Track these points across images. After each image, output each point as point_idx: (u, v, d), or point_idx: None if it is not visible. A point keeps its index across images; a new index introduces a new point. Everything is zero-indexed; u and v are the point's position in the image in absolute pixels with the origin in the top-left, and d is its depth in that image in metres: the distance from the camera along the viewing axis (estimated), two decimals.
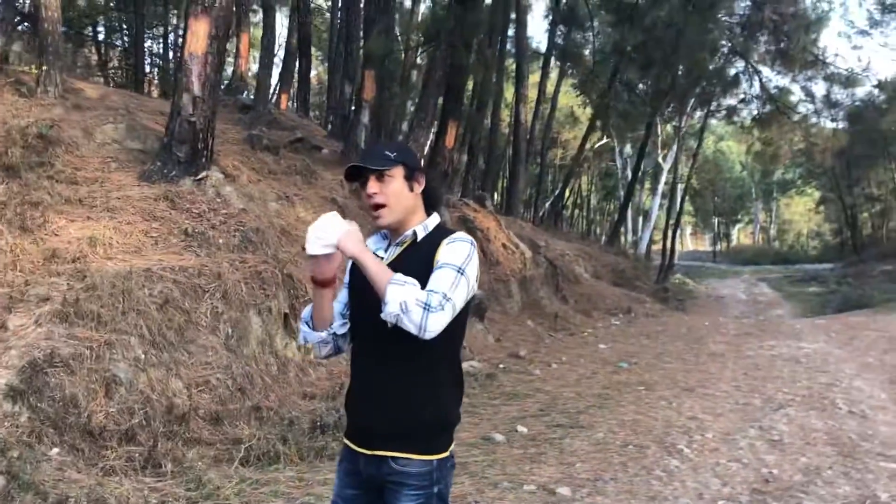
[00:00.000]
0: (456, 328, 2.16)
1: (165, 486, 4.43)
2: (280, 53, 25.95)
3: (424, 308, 1.99)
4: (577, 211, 49.44)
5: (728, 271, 44.96)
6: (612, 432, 5.93)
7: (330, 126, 18.30)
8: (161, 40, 28.91)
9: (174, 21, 29.21)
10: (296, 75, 21.53)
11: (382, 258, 2.27)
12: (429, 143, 14.28)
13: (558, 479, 4.82)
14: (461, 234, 2.24)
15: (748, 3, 11.81)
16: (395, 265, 2.15)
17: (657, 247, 47.31)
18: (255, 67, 21.11)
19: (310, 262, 2.24)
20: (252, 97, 13.85)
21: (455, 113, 12.76)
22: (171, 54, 29.65)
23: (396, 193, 2.22)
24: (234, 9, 8.50)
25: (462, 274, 2.10)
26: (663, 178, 37.19)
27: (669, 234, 29.35)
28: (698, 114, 36.05)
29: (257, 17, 24.76)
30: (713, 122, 33.43)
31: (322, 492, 4.57)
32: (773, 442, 5.55)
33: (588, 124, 30.51)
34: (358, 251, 2.12)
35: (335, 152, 12.79)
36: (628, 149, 42.14)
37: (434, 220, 2.33)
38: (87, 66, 26.23)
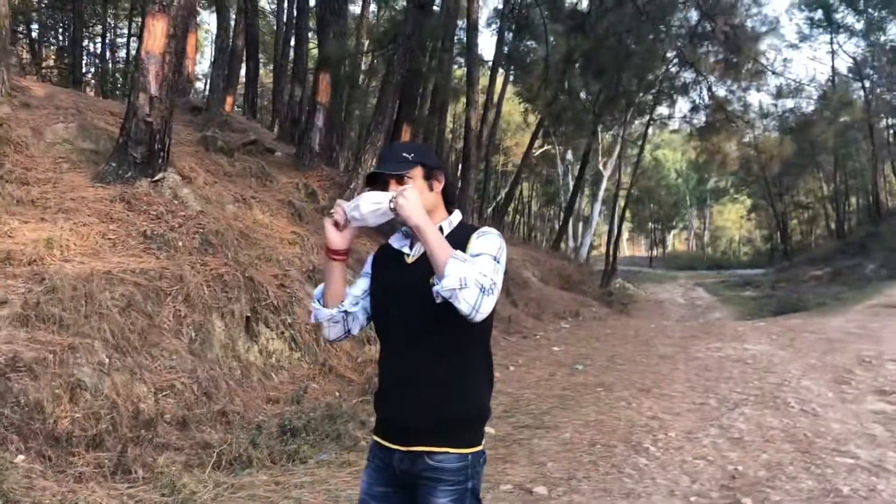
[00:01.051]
0: (490, 320, 2.15)
1: (139, 493, 4.33)
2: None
3: (481, 289, 2.00)
4: (518, 217, 49.95)
5: (665, 276, 46.01)
6: (578, 432, 6.04)
7: (279, 129, 18.09)
8: (99, 39, 28.21)
9: (112, 20, 28.53)
10: (242, 77, 21.21)
11: (408, 255, 2.29)
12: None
13: (533, 479, 4.89)
14: (490, 229, 2.26)
15: (697, 13, 12.19)
16: (425, 261, 2.13)
17: (595, 252, 48.21)
18: (198, 68, 20.74)
19: (328, 232, 2.25)
20: (204, 98, 13.59)
21: (410, 116, 12.80)
22: (108, 54, 28.95)
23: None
24: (192, 8, 8.35)
25: (498, 262, 2.15)
26: (603, 185, 37.90)
27: (612, 240, 29.85)
28: (637, 123, 36.95)
29: (198, 18, 24.38)
30: (650, 130, 34.18)
31: (300, 495, 4.54)
32: (734, 440, 5.74)
33: (534, 131, 30.95)
34: (423, 221, 2.07)
35: (288, 155, 12.67)
36: (569, 155, 42.81)
37: (457, 216, 2.36)
38: (21, 65, 25.36)
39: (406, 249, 2.32)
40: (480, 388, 2.30)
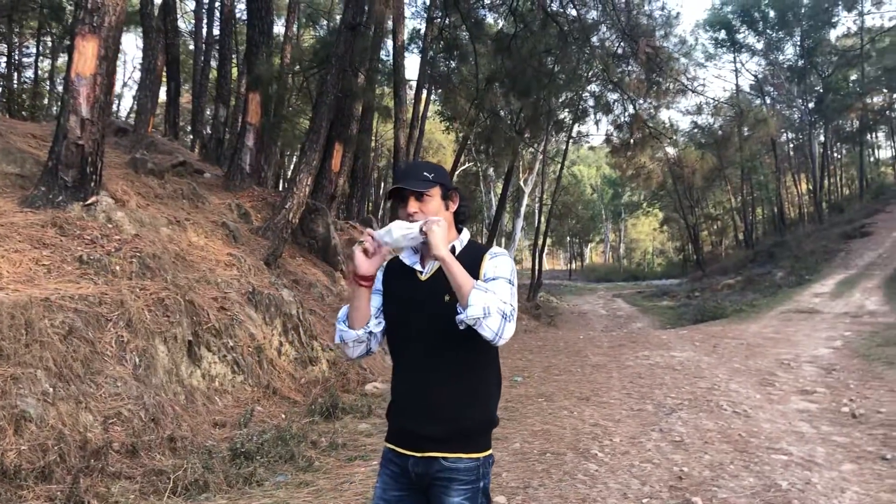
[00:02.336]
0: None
1: None
2: (136, 76, 25.01)
3: (503, 316, 2.16)
4: None
5: (584, 288, 47.09)
6: (528, 442, 6.20)
7: (203, 149, 17.79)
8: (4, 59, 27.16)
9: (17, 39, 27.50)
10: (161, 98, 20.76)
11: (421, 272, 2.41)
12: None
13: (490, 489, 5.00)
14: (500, 250, 2.42)
15: (619, 35, 12.69)
16: (439, 278, 2.27)
17: (518, 266, 48.93)
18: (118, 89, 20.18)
19: (358, 259, 2.36)
20: (125, 120, 13.27)
21: (342, 135, 12.84)
22: (15, 74, 27.87)
23: (434, 212, 2.36)
24: (122, 29, 8.21)
25: (512, 285, 2.32)
26: (525, 201, 38.70)
27: (537, 253, 30.42)
28: (555, 140, 37.87)
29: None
30: (569, 147, 35.05)
31: None
32: (675, 443, 6.01)
33: (458, 149, 31.33)
34: (446, 253, 2.21)
35: (217, 176, 12.51)
36: (491, 172, 43.49)
37: (466, 235, 2.50)
38: None
39: (418, 266, 2.44)
40: (492, 397, 2.46)
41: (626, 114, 14.72)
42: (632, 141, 14.53)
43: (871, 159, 52.71)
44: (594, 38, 13.62)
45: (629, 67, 13.47)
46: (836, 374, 9.38)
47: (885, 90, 44.79)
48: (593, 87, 18.43)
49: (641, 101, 14.11)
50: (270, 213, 10.88)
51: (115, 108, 40.75)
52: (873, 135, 51.52)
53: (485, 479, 2.38)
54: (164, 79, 21.36)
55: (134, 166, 10.05)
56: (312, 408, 7.22)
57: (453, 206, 2.46)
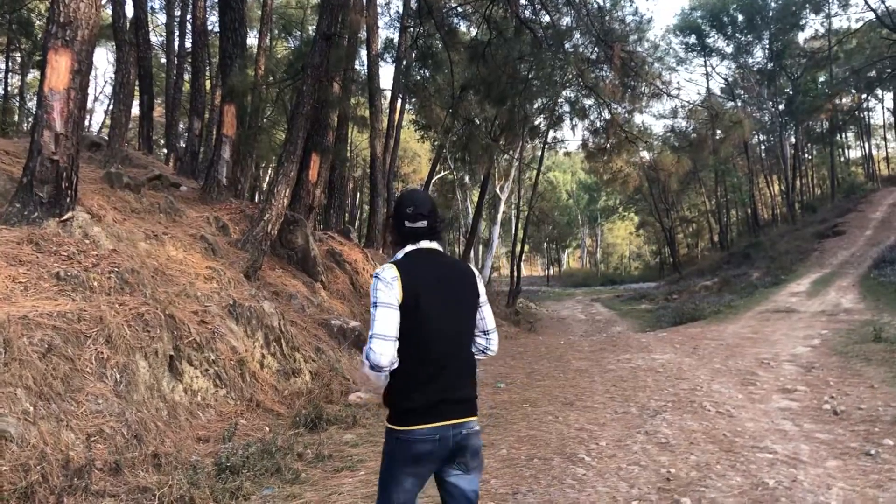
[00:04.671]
0: (409, 335, 2.73)
1: None
2: (107, 90, 24.80)
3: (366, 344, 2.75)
4: None
5: (563, 294, 47.28)
6: (514, 448, 6.20)
7: (178, 163, 17.65)
8: None
9: None
10: (135, 112, 20.59)
11: None
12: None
13: (480, 497, 4.99)
14: (378, 269, 2.84)
15: (593, 41, 12.78)
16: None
17: (496, 273, 49.06)
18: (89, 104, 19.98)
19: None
20: (99, 134, 13.14)
21: (319, 146, 12.79)
22: None
23: None
24: (95, 43, 8.13)
25: (375, 307, 2.73)
26: (501, 208, 38.82)
27: (516, 260, 30.48)
28: (530, 146, 38.04)
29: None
30: (545, 153, 35.20)
31: None
32: (661, 444, 6.03)
33: (434, 157, 31.38)
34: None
35: (194, 189, 12.41)
36: (466, 179, 43.61)
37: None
38: None
39: None
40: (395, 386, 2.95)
41: (602, 118, 14.84)
42: (608, 145, 14.64)
43: (842, 159, 53.54)
44: (568, 45, 13.71)
45: (603, 73, 13.59)
46: (816, 372, 9.49)
47: (853, 91, 45.59)
48: (568, 93, 18.57)
49: (617, 107, 14.24)
50: (249, 226, 10.81)
51: (87, 122, 40.34)
52: (843, 135, 52.40)
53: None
54: (137, 92, 21.21)
55: (109, 181, 9.95)
56: (297, 420, 7.16)
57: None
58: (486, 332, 3.00)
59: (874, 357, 10.45)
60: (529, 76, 15.20)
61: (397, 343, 2.68)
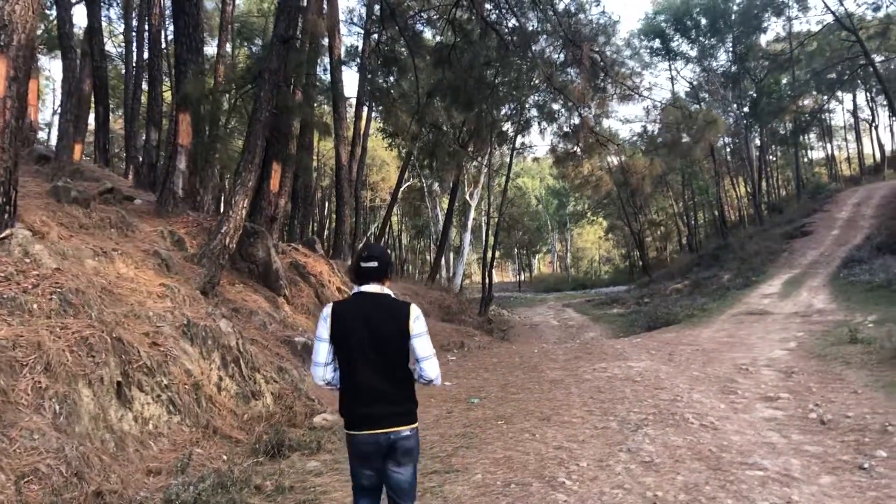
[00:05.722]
0: (340, 362, 3.53)
1: None
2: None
3: None
4: (390, 251, 49.81)
5: (534, 300, 47.04)
6: (490, 472, 5.80)
7: (134, 175, 17.04)
8: None
9: None
10: (91, 124, 19.91)
11: None
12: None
13: None
14: None
15: (561, 42, 12.47)
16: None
17: (467, 281, 48.76)
18: (41, 116, 19.29)
19: None
20: (50, 147, 12.53)
21: (280, 154, 12.32)
22: None
23: None
24: (34, 49, 7.62)
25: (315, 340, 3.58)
26: (471, 215, 38.50)
27: (488, 267, 30.15)
28: (498, 153, 37.81)
29: (38, 63, 22.82)
30: (514, 159, 34.92)
31: None
32: (645, 463, 5.68)
33: (402, 165, 30.98)
34: None
35: (149, 202, 11.87)
36: (436, 187, 43.28)
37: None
38: None
39: None
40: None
41: (571, 122, 14.55)
42: (578, 149, 14.32)
43: (805, 160, 54.11)
44: (536, 47, 13.40)
45: (571, 76, 13.28)
46: (797, 378, 9.24)
47: (814, 93, 46.07)
48: (537, 97, 18.28)
49: (587, 109, 13.97)
50: (206, 239, 10.30)
51: (44, 135, 39.30)
52: (806, 137, 52.97)
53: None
54: (93, 104, 20.55)
55: (56, 195, 9.39)
56: (256, 447, 6.70)
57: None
58: (418, 361, 3.48)
59: (853, 360, 10.24)
60: (496, 80, 14.89)
61: (328, 367, 3.52)
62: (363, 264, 3.53)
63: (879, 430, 6.20)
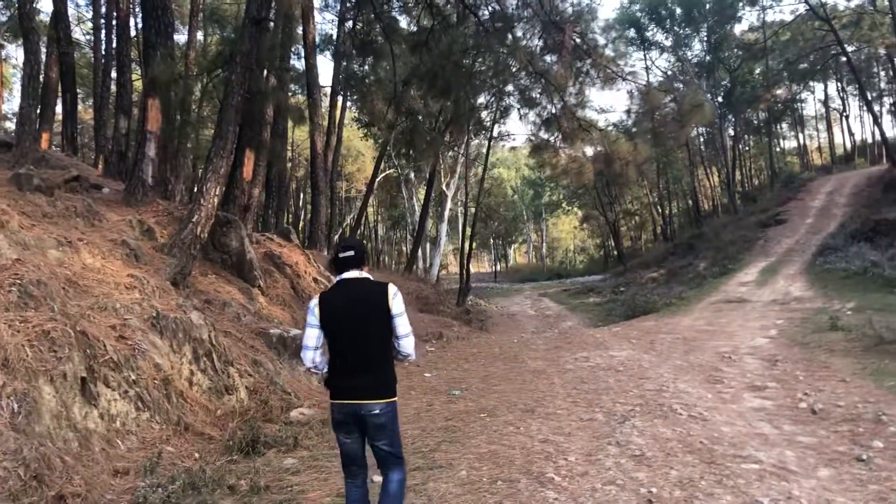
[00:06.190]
0: (328, 342, 3.88)
1: None
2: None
3: None
4: (366, 242, 49.40)
5: (510, 290, 46.92)
6: (474, 468, 5.56)
7: (104, 164, 16.54)
8: None
9: None
10: (58, 112, 19.35)
11: None
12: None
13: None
14: None
15: (542, 25, 12.15)
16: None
17: (444, 271, 48.53)
18: (8, 106, 18.69)
19: None
20: (14, 134, 12.04)
21: (253, 141, 11.94)
22: None
23: None
24: None
25: (305, 327, 3.94)
26: (448, 205, 38.19)
27: (465, 257, 29.91)
28: (476, 142, 37.54)
29: (4, 52, 22.18)
30: (486, 147, 34.56)
31: None
32: (636, 457, 5.47)
33: (378, 155, 30.58)
34: None
35: (118, 191, 11.44)
36: (412, 177, 42.93)
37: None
38: None
39: None
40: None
41: (552, 108, 14.26)
42: (560, 134, 14.06)
43: (777, 149, 54.47)
44: (518, 31, 13.13)
45: (551, 62, 13.02)
46: (782, 366, 9.12)
47: (787, 82, 46.34)
48: (518, 81, 17.91)
49: (569, 92, 13.68)
50: (177, 229, 9.93)
51: (11, 125, 38.41)
52: (778, 126, 53.33)
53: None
54: (60, 92, 19.98)
55: (17, 183, 8.98)
56: (230, 443, 6.40)
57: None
58: (398, 337, 3.85)
59: (836, 347, 10.16)
60: (475, 64, 14.58)
61: (318, 351, 3.90)
62: (341, 255, 3.91)
63: (873, 420, 6.06)
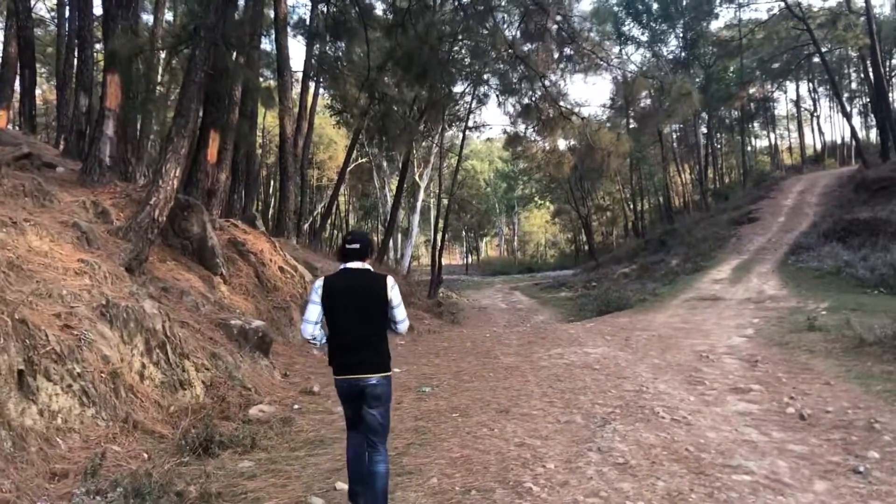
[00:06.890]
0: (328, 322, 4.35)
1: None
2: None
3: None
4: (336, 232, 48.77)
5: (482, 282, 46.71)
6: (446, 475, 5.16)
7: (64, 144, 15.84)
8: None
9: None
10: (17, 89, 18.58)
11: None
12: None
13: None
14: None
15: (528, 7, 11.74)
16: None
17: (415, 263, 48.06)
18: None
19: None
20: None
21: (218, 122, 11.36)
22: None
23: None
24: None
25: (307, 303, 4.39)
26: (421, 196, 37.72)
27: (437, 250, 29.47)
28: (449, 133, 37.08)
29: None
30: (461, 137, 34.09)
31: None
32: (619, 466, 5.10)
33: (350, 143, 29.99)
34: None
35: (73, 171, 10.83)
36: (385, 166, 42.37)
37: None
38: None
39: None
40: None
41: (533, 95, 13.83)
42: (540, 123, 13.67)
43: (749, 148, 54.79)
44: (498, 15, 12.68)
45: (533, 46, 12.59)
46: (763, 367, 8.85)
47: (761, 81, 46.55)
48: (497, 66, 17.44)
49: (550, 79, 13.34)
50: (134, 211, 9.37)
51: None
52: (751, 124, 53.62)
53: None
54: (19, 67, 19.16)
55: None
56: (182, 443, 5.92)
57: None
58: (395, 322, 4.38)
59: (816, 348, 9.93)
60: (452, 51, 14.15)
61: (318, 325, 4.33)
62: (347, 246, 4.33)
63: (866, 428, 5.77)
